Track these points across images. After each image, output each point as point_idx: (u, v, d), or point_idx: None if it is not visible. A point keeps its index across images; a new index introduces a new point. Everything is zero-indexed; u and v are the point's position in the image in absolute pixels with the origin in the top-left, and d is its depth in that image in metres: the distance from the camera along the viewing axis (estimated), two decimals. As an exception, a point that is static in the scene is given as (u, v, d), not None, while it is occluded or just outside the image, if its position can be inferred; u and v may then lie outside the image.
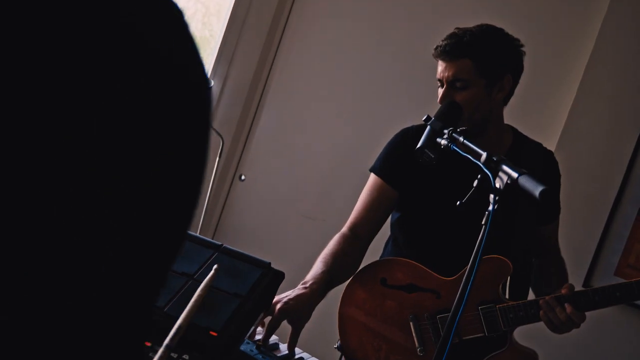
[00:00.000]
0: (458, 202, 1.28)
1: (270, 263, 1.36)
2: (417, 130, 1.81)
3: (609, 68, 2.59)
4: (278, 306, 1.54)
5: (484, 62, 1.66)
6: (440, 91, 1.71)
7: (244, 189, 3.49)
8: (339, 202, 3.18)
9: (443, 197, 1.74)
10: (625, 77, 2.56)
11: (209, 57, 3.59)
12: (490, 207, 1.15)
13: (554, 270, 1.84)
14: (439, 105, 1.66)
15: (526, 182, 1.16)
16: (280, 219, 3.32)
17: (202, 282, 1.26)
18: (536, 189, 1.13)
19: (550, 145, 2.59)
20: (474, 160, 1.28)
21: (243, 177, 3.49)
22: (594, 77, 2.62)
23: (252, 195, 3.46)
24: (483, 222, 1.17)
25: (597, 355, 2.50)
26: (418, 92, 3.01)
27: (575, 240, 2.40)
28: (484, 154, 1.26)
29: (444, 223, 1.77)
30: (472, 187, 1.27)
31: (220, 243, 1.39)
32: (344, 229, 1.85)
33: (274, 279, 1.32)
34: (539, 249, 1.86)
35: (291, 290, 1.62)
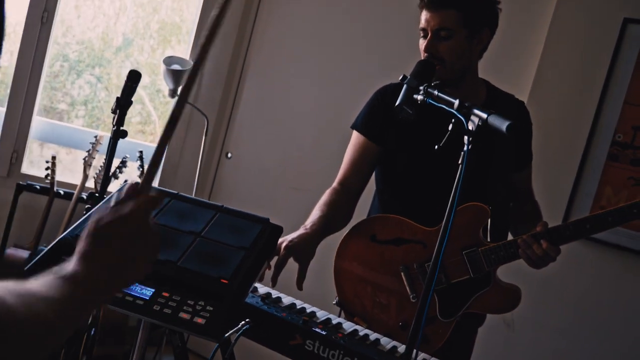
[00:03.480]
0: (436, 146, 1.38)
1: (269, 219, 1.47)
2: (394, 87, 1.91)
3: (575, 19, 2.71)
4: (284, 244, 1.66)
5: (467, 13, 1.75)
6: (422, 42, 1.80)
7: (231, 166, 3.58)
8: (323, 171, 3.29)
9: (422, 149, 1.85)
10: (592, 27, 2.68)
11: (180, 43, 3.64)
12: (465, 148, 1.26)
13: (529, 212, 1.96)
14: (414, 64, 1.75)
15: (495, 120, 1.27)
16: (268, 192, 3.42)
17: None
18: (503, 124, 1.25)
19: (522, 97, 2.72)
20: (448, 109, 1.39)
21: (230, 155, 3.58)
22: (559, 29, 2.73)
23: (240, 172, 3.56)
24: (459, 162, 1.28)
25: (565, 287, 2.67)
26: (392, 55, 3.11)
27: (550, 186, 2.54)
28: (456, 101, 1.37)
29: (424, 173, 1.88)
30: (448, 132, 1.38)
31: (221, 204, 1.49)
32: (334, 183, 1.96)
33: (274, 232, 1.43)
34: (515, 195, 1.98)
35: (293, 232, 1.73)
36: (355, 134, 1.96)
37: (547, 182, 2.38)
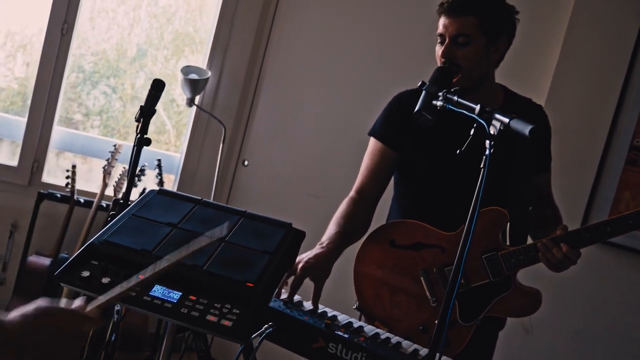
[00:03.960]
0: (458, 151, 1.39)
1: (291, 223, 1.49)
2: (410, 93, 1.93)
3: (591, 25, 2.72)
4: (300, 265, 1.67)
5: (486, 20, 1.75)
6: (439, 47, 1.80)
7: (248, 174, 3.61)
8: (340, 177, 3.31)
9: (440, 153, 1.86)
10: (608, 33, 2.69)
11: (194, 53, 3.69)
12: (487, 152, 1.28)
13: (549, 217, 1.96)
14: (430, 71, 1.76)
15: (517, 125, 1.29)
16: (284, 199, 3.44)
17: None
18: (526, 128, 1.26)
19: (539, 103, 2.72)
20: (469, 114, 1.40)
21: (246, 163, 3.61)
22: (576, 36, 2.74)
23: (256, 179, 3.58)
24: (481, 166, 1.29)
25: (582, 291, 2.67)
26: (408, 62, 3.13)
27: (568, 191, 2.53)
28: (477, 106, 1.38)
29: (443, 178, 1.89)
30: (468, 138, 1.40)
31: (244, 209, 1.52)
32: (352, 192, 1.97)
33: (297, 237, 1.46)
34: (534, 198, 1.98)
35: (309, 251, 1.75)
36: (372, 141, 1.97)
37: (565, 187, 2.37)
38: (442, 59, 1.78)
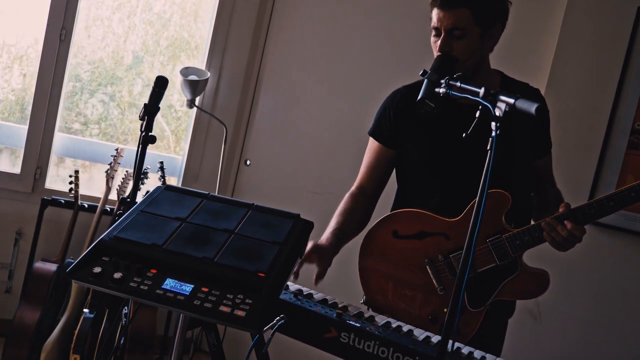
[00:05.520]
0: (464, 134, 1.40)
1: (299, 214, 1.50)
2: (406, 88, 1.95)
3: (589, 10, 2.72)
4: (309, 245, 1.73)
5: (480, 11, 1.76)
6: (434, 39, 1.81)
7: (251, 173, 3.62)
8: (342, 173, 3.31)
9: (439, 144, 1.88)
10: (606, 17, 2.69)
11: (190, 58, 3.69)
12: (493, 134, 1.28)
13: (550, 200, 1.96)
14: (429, 65, 1.76)
15: (522, 104, 1.29)
16: (287, 197, 3.45)
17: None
18: (531, 107, 1.26)
19: (539, 89, 2.73)
20: (473, 98, 1.40)
21: (248, 162, 3.61)
22: (574, 21, 2.74)
23: (259, 178, 3.59)
24: (488, 148, 1.29)
25: (588, 276, 2.67)
26: (407, 59, 3.14)
27: (571, 177, 2.54)
28: (482, 90, 1.39)
29: (443, 167, 1.89)
30: (473, 122, 1.40)
31: (252, 202, 1.52)
32: (353, 188, 2.02)
33: (305, 227, 1.46)
34: (536, 182, 1.99)
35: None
36: (371, 140, 2.02)
37: (568, 173, 2.38)
38: (439, 53, 1.79)
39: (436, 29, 1.80)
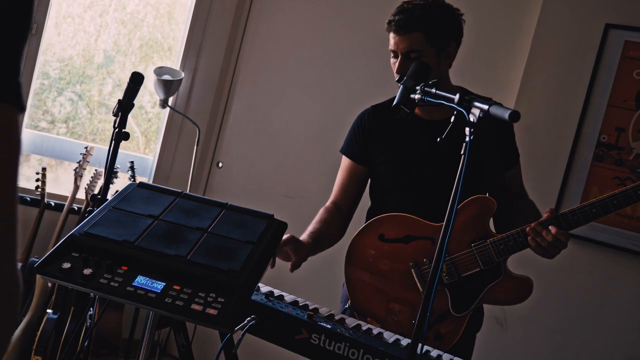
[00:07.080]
0: (438, 139, 1.42)
1: (273, 215, 1.50)
2: (374, 108, 2.03)
3: (559, 25, 2.79)
4: (285, 236, 1.74)
5: (433, 33, 1.83)
6: (394, 61, 1.88)
7: (222, 175, 3.60)
8: (314, 178, 3.32)
9: (409, 159, 1.92)
10: (575, 33, 2.76)
11: (162, 59, 3.66)
12: (467, 139, 1.30)
13: (528, 210, 1.98)
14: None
15: (496, 110, 1.32)
16: (259, 201, 3.44)
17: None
18: (505, 113, 1.29)
19: (509, 102, 2.79)
20: (448, 104, 1.43)
21: (220, 164, 3.59)
22: (544, 36, 2.81)
23: (231, 180, 3.57)
24: (462, 153, 1.31)
25: (555, 285, 2.72)
26: (383, 64, 3.16)
27: (538, 187, 2.59)
28: (457, 96, 1.41)
29: (415, 181, 1.93)
30: (439, 138, 1.44)
31: (226, 202, 1.51)
32: (327, 203, 2.06)
33: (279, 227, 1.46)
34: (509, 194, 2.01)
35: None
36: (343, 157, 2.07)
37: (535, 183, 2.42)
38: (397, 75, 1.85)
39: (393, 51, 1.88)
